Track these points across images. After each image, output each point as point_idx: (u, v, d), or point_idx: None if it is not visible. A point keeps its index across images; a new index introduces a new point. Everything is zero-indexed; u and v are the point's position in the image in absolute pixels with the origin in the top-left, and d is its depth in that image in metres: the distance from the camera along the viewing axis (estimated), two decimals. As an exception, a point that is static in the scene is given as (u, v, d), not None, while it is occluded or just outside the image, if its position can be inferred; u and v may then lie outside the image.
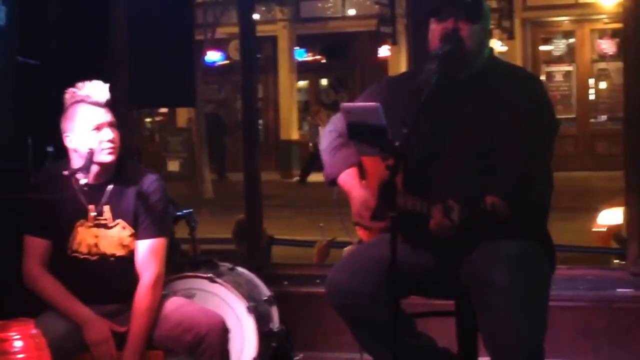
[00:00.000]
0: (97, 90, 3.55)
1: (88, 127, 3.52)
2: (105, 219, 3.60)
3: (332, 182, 3.51)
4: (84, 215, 3.59)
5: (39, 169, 4.21)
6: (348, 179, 3.45)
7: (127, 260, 3.61)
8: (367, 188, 3.43)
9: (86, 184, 3.47)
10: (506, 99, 3.23)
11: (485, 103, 3.26)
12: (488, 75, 3.31)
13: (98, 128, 3.52)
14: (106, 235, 3.60)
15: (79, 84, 3.58)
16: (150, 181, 3.65)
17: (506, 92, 3.25)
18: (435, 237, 3.10)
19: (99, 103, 3.54)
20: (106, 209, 3.59)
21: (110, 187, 3.59)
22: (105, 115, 3.54)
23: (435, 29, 3.27)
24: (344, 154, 3.45)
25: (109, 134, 3.52)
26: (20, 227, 3.65)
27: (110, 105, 3.57)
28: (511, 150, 3.16)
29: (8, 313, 3.19)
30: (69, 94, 3.59)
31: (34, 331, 3.10)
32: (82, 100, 3.55)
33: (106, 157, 3.53)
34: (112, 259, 3.60)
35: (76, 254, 3.59)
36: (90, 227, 3.59)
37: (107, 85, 3.58)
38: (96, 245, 3.59)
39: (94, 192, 3.58)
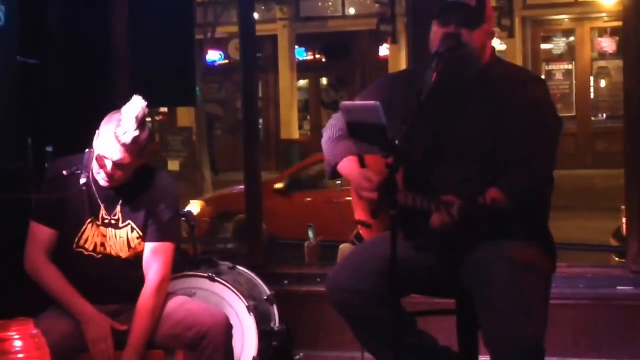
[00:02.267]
0: (127, 127, 3.41)
1: (99, 150, 3.46)
2: (116, 219, 3.60)
3: (333, 171, 3.48)
4: (96, 213, 3.59)
5: (39, 168, 4.21)
6: (348, 165, 3.42)
7: (132, 262, 3.61)
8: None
9: (97, 184, 3.48)
10: (509, 100, 3.23)
11: (487, 104, 3.25)
12: (491, 76, 3.30)
13: (106, 157, 3.45)
14: (114, 235, 3.59)
15: (138, 98, 3.44)
16: (164, 184, 3.65)
17: (509, 93, 3.25)
18: (437, 235, 3.10)
19: (118, 140, 3.42)
20: (118, 209, 3.59)
21: (125, 188, 3.58)
22: (116, 154, 3.43)
23: (437, 32, 3.26)
24: (345, 145, 3.42)
25: (108, 169, 3.46)
26: (19, 227, 3.64)
27: (133, 145, 3.42)
28: (515, 150, 3.16)
29: (8, 313, 3.19)
30: (113, 112, 3.48)
31: (34, 331, 3.09)
32: (109, 128, 3.45)
33: (101, 181, 3.53)
34: (117, 260, 3.60)
35: (81, 250, 3.59)
36: (100, 225, 3.59)
37: (138, 132, 3.42)
38: (103, 244, 3.59)
39: (109, 191, 3.57)
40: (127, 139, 3.41)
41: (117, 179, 3.51)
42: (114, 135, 3.42)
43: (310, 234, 6.04)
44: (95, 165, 3.52)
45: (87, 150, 3.59)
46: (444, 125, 3.28)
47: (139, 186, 3.60)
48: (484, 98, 3.27)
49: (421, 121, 3.13)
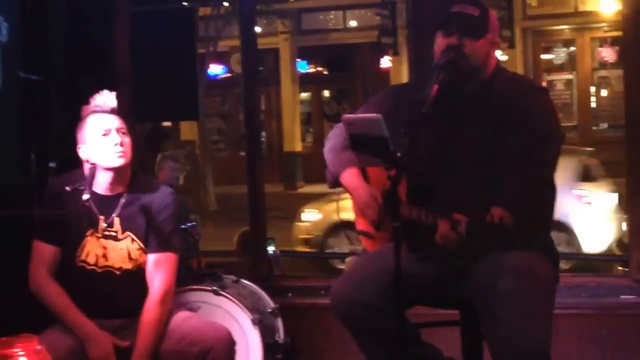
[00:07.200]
0: (104, 98, 3.61)
1: (96, 133, 3.55)
2: (115, 231, 3.61)
3: (335, 181, 3.47)
4: (95, 225, 3.60)
5: (42, 184, 4.21)
6: (351, 177, 3.41)
7: (134, 275, 3.61)
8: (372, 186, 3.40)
9: (94, 196, 3.49)
10: (510, 110, 3.22)
11: (491, 114, 3.25)
12: (494, 87, 3.30)
13: (106, 133, 3.54)
14: (115, 247, 3.60)
15: (92, 98, 3.64)
16: (163, 195, 3.66)
17: (510, 103, 3.24)
18: (440, 247, 3.10)
19: (106, 109, 3.59)
20: (116, 221, 3.60)
21: (122, 199, 3.61)
22: (113, 121, 3.58)
23: (441, 43, 3.27)
24: (349, 155, 3.39)
25: (116, 137, 3.55)
26: (23, 243, 3.65)
27: (118, 112, 3.62)
28: (517, 161, 3.15)
29: (12, 329, 3.19)
30: (84, 109, 3.64)
31: (38, 347, 3.10)
32: (92, 111, 3.61)
33: (116, 160, 3.54)
34: (119, 272, 3.60)
35: (83, 264, 3.59)
36: (99, 238, 3.60)
37: (114, 93, 3.63)
38: (104, 256, 3.59)
39: (107, 203, 3.59)
40: (112, 103, 3.60)
41: (128, 151, 3.57)
42: (101, 110, 3.59)
43: (271, 246, 6.03)
44: (101, 151, 3.53)
45: (82, 164, 3.62)
46: (447, 136, 3.28)
47: (136, 197, 3.62)
48: (486, 108, 3.26)
49: (423, 132, 3.14)
